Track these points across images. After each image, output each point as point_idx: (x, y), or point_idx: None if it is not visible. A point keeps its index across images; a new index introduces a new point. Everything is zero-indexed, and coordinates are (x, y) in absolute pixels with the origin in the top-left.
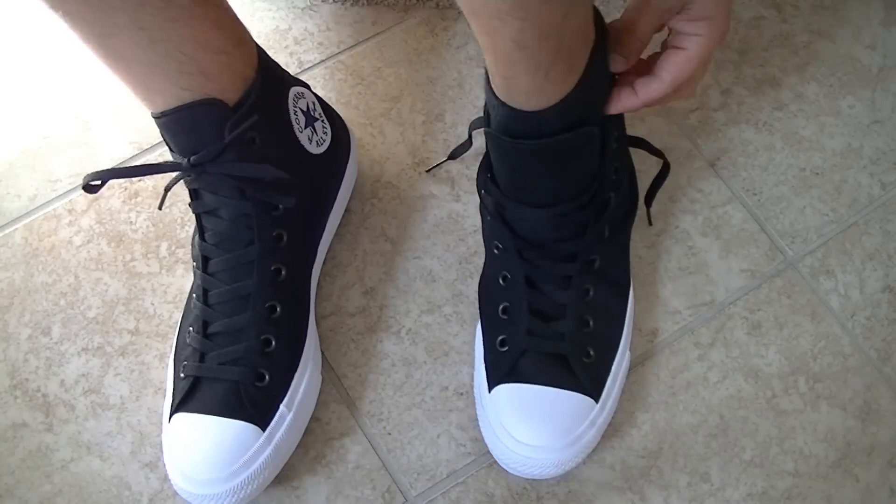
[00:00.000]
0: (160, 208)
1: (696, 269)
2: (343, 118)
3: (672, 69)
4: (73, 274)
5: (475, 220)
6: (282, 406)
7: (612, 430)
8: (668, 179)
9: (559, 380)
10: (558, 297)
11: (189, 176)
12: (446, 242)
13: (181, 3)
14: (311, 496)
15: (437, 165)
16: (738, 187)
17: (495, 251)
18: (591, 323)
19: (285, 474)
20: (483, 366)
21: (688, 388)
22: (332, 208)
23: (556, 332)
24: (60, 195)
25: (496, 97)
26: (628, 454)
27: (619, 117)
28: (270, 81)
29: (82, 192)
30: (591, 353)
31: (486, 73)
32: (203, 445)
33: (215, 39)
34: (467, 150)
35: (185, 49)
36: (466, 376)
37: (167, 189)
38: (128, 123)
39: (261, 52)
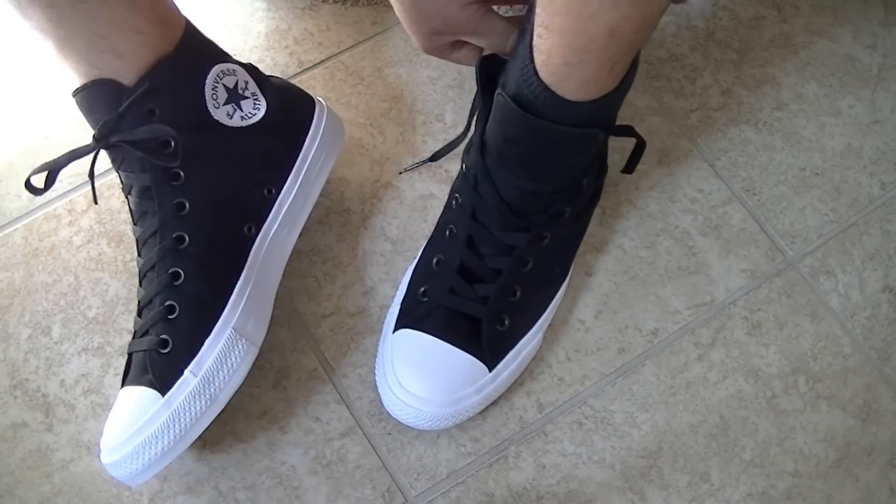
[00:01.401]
0: (95, 202)
1: (696, 269)
2: (316, 99)
3: None
4: (73, 274)
5: None
6: (186, 371)
7: (612, 430)
8: (668, 179)
9: (461, 340)
10: (495, 263)
11: (97, 151)
12: None
13: None
14: (311, 496)
15: (416, 166)
16: (738, 187)
17: (453, 203)
18: (517, 293)
19: (286, 474)
20: (398, 307)
21: (688, 388)
22: (282, 185)
23: (479, 295)
24: (60, 195)
25: (538, 79)
26: (628, 454)
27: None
28: (185, 57)
29: (81, 191)
30: (506, 322)
31: (531, 51)
32: (113, 415)
33: (132, 20)
34: (459, 144)
35: (97, 29)
36: None
37: (90, 174)
38: None
39: (189, 29)
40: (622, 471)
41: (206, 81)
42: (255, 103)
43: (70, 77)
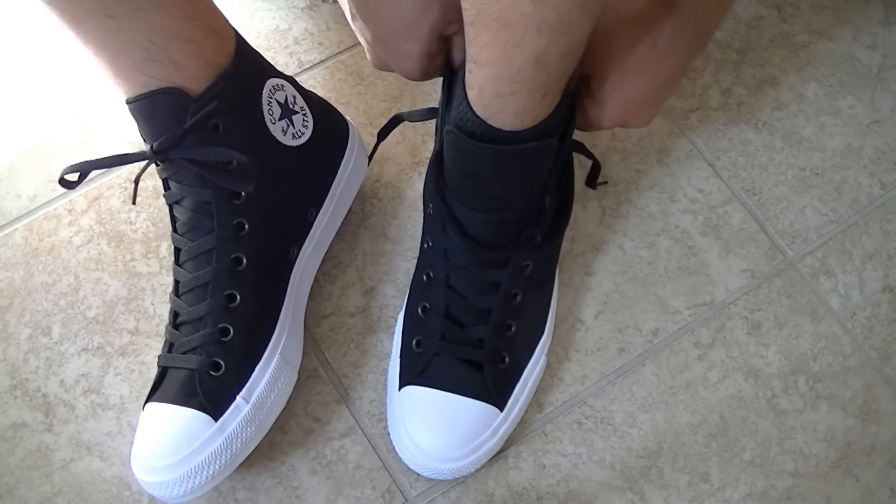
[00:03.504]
0: (133, 203)
1: (696, 269)
2: (347, 119)
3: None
4: (73, 274)
5: None
6: (238, 397)
7: (612, 430)
8: (668, 179)
9: (467, 387)
10: (483, 302)
11: (157, 165)
12: None
13: None
14: (311, 496)
15: (373, 151)
16: (738, 187)
17: (426, 246)
18: (513, 328)
19: (285, 474)
20: (398, 362)
21: (688, 388)
22: (321, 204)
23: (474, 338)
24: (60, 195)
25: (474, 114)
26: (628, 454)
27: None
28: (243, 71)
29: (81, 191)
30: (506, 359)
31: (464, 87)
32: (156, 433)
33: (186, 30)
34: (394, 128)
35: (154, 38)
36: None
37: (136, 180)
38: (128, 123)
39: (240, 42)
40: (622, 471)
41: (262, 96)
42: (304, 119)
43: (121, 86)
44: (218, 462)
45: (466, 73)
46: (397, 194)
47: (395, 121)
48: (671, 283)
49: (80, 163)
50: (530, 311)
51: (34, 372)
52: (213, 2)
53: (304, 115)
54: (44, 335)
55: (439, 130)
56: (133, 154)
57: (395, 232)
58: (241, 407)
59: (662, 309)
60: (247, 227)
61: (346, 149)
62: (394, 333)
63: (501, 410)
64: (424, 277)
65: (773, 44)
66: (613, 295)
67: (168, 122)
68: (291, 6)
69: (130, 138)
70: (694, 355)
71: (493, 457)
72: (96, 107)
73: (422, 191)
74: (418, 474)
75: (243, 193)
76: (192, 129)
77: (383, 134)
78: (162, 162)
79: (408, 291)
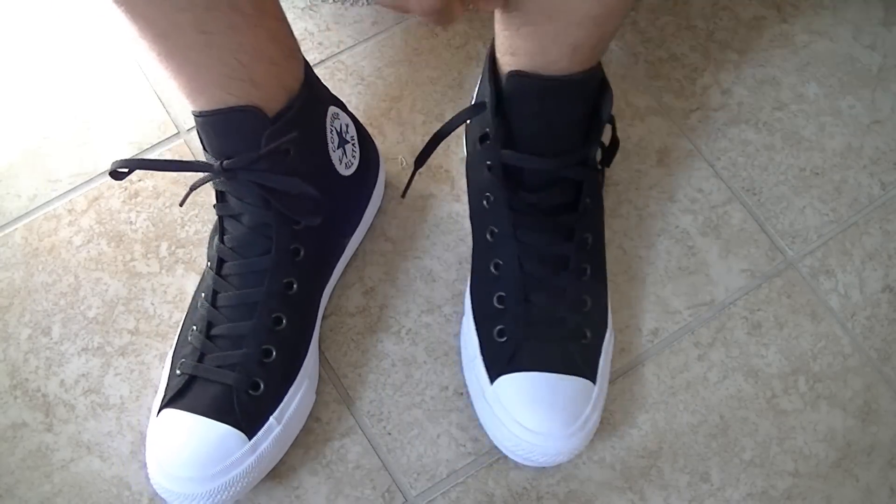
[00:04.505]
0: (181, 205)
1: (696, 269)
2: (375, 144)
3: None
4: (73, 274)
5: None
6: (271, 418)
7: (612, 430)
8: (668, 179)
9: (560, 365)
10: (557, 280)
11: (219, 178)
12: (446, 242)
13: (245, 12)
14: (311, 496)
15: (408, 184)
16: (738, 187)
17: (489, 237)
18: (588, 303)
19: (285, 474)
20: (480, 360)
21: (688, 388)
22: (354, 232)
23: (556, 317)
24: (60, 195)
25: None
26: (628, 454)
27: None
28: (312, 97)
29: (81, 191)
30: (588, 334)
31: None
32: (187, 443)
33: (269, 50)
34: (435, 149)
35: (240, 56)
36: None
37: (193, 187)
38: (128, 123)
39: (307, 67)
40: (622, 471)
41: (326, 124)
42: (353, 149)
43: (196, 100)
44: (245, 480)
45: (499, 62)
46: (397, 194)
47: (437, 140)
48: (671, 283)
49: (133, 159)
50: (598, 289)
51: (34, 372)
52: (290, 26)
53: (353, 144)
54: (44, 335)
55: (470, 127)
56: (196, 163)
57: (395, 232)
58: (272, 427)
59: (662, 309)
60: (302, 253)
61: (377, 176)
62: (459, 340)
63: (594, 383)
64: (493, 269)
65: (773, 44)
66: (613, 295)
67: (242, 139)
68: (291, 6)
69: (130, 138)
70: (694, 355)
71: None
72: (96, 107)
73: (423, 191)
74: (528, 462)
75: (303, 222)
76: (266, 153)
77: (423, 158)
78: (229, 180)
79: (468, 292)
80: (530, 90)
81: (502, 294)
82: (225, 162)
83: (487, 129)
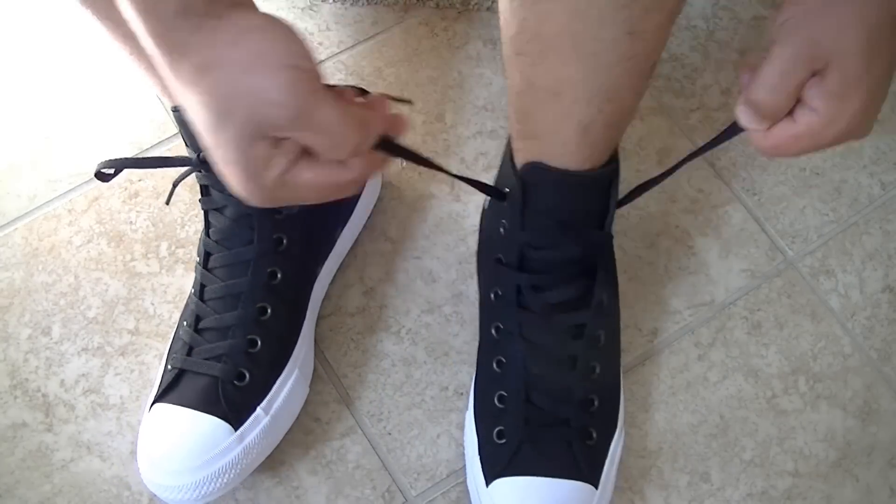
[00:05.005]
0: (167, 203)
1: (696, 269)
2: None
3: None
4: (73, 274)
5: (475, 220)
6: (259, 408)
7: None
8: (668, 179)
9: (560, 469)
10: (562, 380)
11: (199, 171)
12: (446, 242)
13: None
14: (311, 496)
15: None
16: (738, 187)
17: (494, 333)
18: (595, 402)
19: (285, 474)
20: (477, 458)
21: (688, 388)
22: (345, 224)
23: (559, 418)
24: (60, 195)
25: (545, 166)
26: (628, 454)
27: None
28: None
29: (81, 191)
30: (594, 435)
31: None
32: (174, 436)
33: None
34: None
35: None
36: (466, 376)
37: (175, 183)
38: (128, 123)
39: None
40: (622, 471)
41: None
42: None
43: (171, 96)
44: (233, 471)
45: (514, 148)
46: (397, 194)
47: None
48: (671, 283)
49: (118, 159)
50: (609, 387)
51: (34, 372)
52: None
53: None
54: (44, 335)
55: (486, 216)
56: (175, 158)
57: (395, 232)
58: (260, 418)
59: (662, 309)
60: (285, 242)
61: None
62: (464, 431)
63: (597, 488)
64: (496, 366)
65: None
66: None
67: None
68: (291, 6)
69: (130, 139)
70: (694, 355)
71: None
72: (96, 107)
73: (423, 191)
74: None
75: (283, 210)
76: None
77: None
78: (206, 171)
79: (472, 387)
80: (546, 182)
81: (503, 393)
82: (201, 154)
83: (504, 221)
